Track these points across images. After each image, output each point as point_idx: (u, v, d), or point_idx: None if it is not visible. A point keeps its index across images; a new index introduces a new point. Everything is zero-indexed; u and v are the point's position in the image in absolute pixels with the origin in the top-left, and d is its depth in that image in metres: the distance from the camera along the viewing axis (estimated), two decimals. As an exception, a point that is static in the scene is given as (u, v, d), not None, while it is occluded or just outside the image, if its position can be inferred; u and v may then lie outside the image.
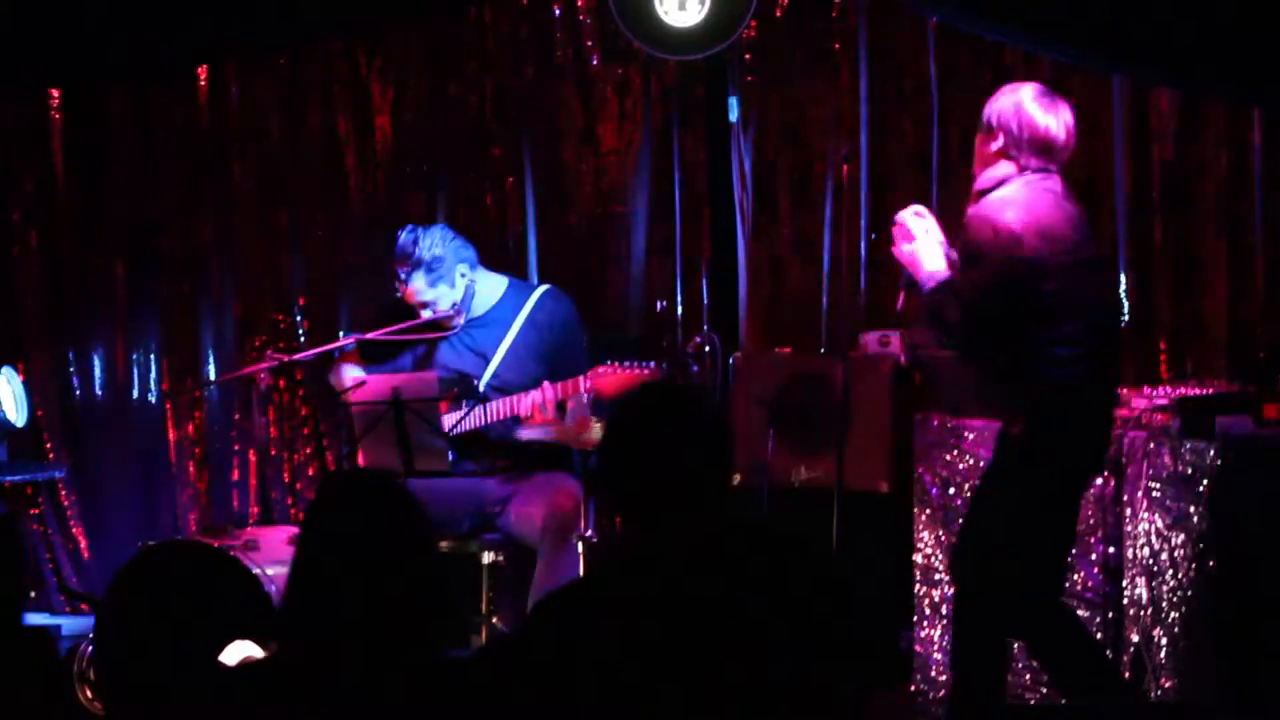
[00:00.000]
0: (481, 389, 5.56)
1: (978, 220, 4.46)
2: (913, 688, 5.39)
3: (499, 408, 5.43)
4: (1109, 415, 4.64)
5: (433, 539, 2.81)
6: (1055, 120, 4.53)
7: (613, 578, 2.83)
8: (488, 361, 5.61)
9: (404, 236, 5.53)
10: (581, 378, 5.28)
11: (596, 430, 5.17)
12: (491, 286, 5.68)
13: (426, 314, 5.55)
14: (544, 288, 5.74)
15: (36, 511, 6.56)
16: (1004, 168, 4.53)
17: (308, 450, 6.57)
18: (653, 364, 5.26)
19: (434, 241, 5.51)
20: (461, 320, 5.56)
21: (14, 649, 3.07)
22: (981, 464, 5.21)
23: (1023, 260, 4.39)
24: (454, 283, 5.55)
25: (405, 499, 2.80)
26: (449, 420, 5.37)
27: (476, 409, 5.43)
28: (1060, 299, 4.43)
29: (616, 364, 5.22)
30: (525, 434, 5.43)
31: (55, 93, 6.50)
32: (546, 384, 5.31)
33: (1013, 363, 4.48)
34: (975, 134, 4.61)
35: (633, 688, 2.52)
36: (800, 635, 2.33)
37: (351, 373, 5.53)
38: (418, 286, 5.52)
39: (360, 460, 5.35)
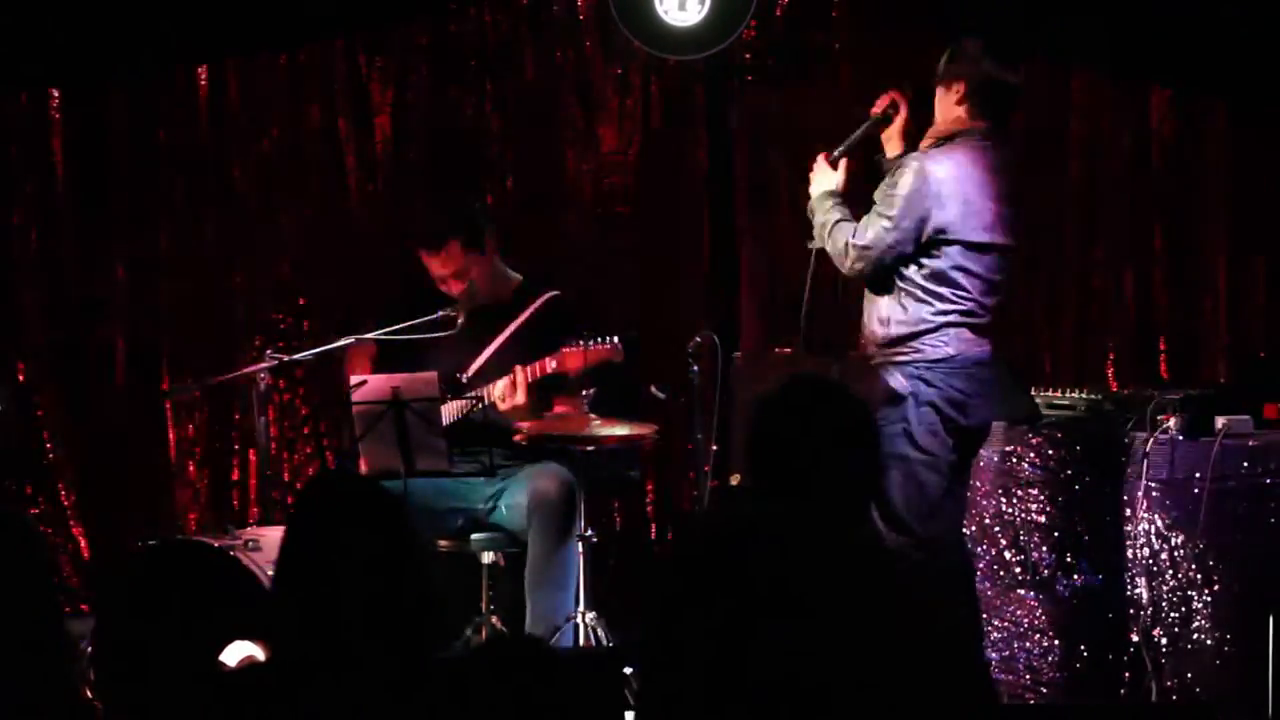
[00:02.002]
0: (465, 379, 5.55)
1: (912, 168, 4.59)
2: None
3: (473, 396, 5.44)
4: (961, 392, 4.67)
5: (415, 539, 2.82)
6: (1013, 70, 4.61)
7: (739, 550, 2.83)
8: (479, 350, 5.60)
9: (435, 212, 5.58)
10: (548, 358, 5.28)
11: (595, 425, 5.17)
12: (506, 277, 5.67)
13: (455, 287, 5.52)
14: (552, 293, 5.73)
15: (36, 511, 6.55)
16: (959, 120, 4.60)
17: (308, 450, 6.57)
18: (616, 339, 5.27)
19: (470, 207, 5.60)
20: (463, 319, 5.55)
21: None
22: (981, 463, 5.21)
23: (930, 224, 4.57)
24: (485, 250, 5.54)
25: (386, 500, 2.81)
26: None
27: (452, 402, 5.43)
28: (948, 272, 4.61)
29: (579, 342, 5.24)
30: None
31: (55, 93, 6.49)
32: (517, 367, 5.33)
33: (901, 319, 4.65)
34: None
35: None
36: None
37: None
38: (455, 262, 5.47)
39: (361, 460, 5.35)
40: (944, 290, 4.61)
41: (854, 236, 4.67)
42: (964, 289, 4.61)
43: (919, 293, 4.61)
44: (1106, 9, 5.54)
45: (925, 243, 4.59)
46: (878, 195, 4.68)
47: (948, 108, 4.68)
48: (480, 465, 5.41)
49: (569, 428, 5.23)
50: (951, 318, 4.61)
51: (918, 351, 4.63)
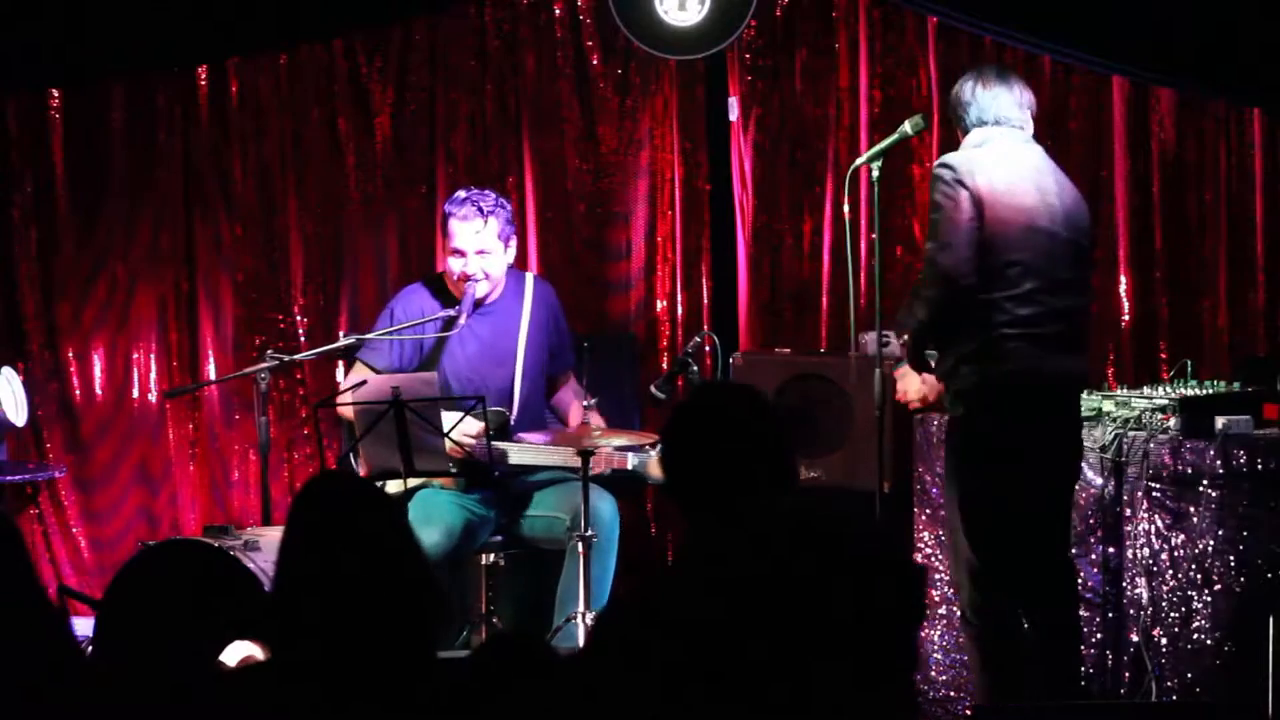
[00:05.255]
0: (514, 418, 5.55)
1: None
2: (912, 688, 5.38)
3: (541, 455, 5.47)
4: None
5: (412, 538, 2.82)
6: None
7: (689, 574, 2.83)
8: (505, 366, 5.60)
9: (468, 191, 5.60)
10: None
11: (596, 435, 5.18)
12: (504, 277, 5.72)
13: (479, 269, 5.54)
14: (533, 274, 5.79)
15: (36, 511, 6.56)
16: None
17: (308, 450, 6.57)
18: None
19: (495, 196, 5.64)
20: (464, 320, 5.55)
21: None
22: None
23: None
24: (507, 246, 5.61)
25: (381, 500, 2.81)
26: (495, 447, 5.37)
27: (515, 446, 5.43)
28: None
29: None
30: (526, 438, 5.44)
31: (55, 93, 6.49)
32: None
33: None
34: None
35: (703, 686, 2.51)
36: (867, 628, 2.32)
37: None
38: (488, 238, 5.53)
39: (362, 460, 5.35)
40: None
41: None
42: None
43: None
44: (1108, 8, 5.54)
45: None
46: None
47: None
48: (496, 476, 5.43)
49: (571, 439, 5.26)
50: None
51: None
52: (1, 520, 2.85)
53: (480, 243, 5.52)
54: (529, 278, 5.74)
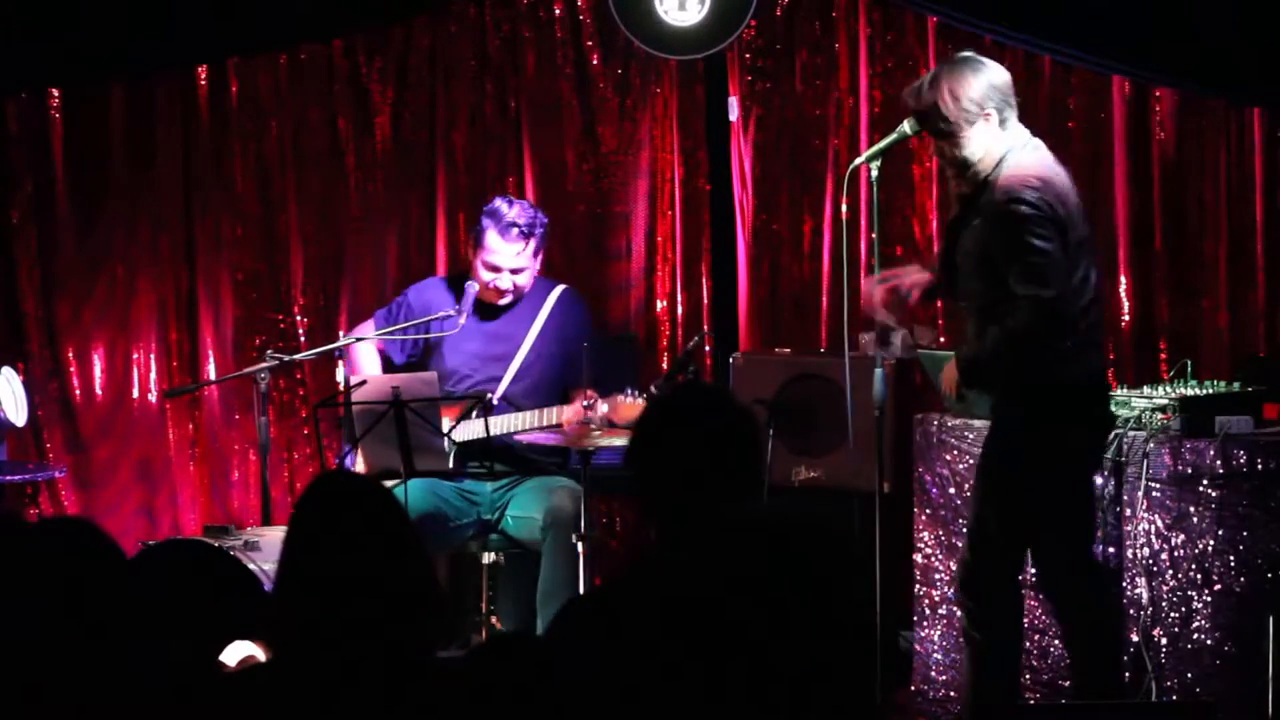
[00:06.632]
0: (495, 400, 5.56)
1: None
2: (913, 688, 5.39)
3: (523, 420, 5.46)
4: None
5: (416, 540, 2.82)
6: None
7: (646, 579, 2.84)
8: (503, 362, 5.61)
9: (515, 204, 5.63)
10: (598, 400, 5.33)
11: (595, 435, 5.19)
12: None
13: (511, 284, 5.59)
14: (562, 287, 5.77)
15: (36, 511, 6.55)
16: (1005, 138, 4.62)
17: (308, 450, 6.56)
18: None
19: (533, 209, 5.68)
20: (463, 320, 5.56)
21: None
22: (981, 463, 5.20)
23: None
24: (538, 261, 5.68)
25: (387, 500, 2.81)
26: (461, 431, 5.38)
27: (499, 419, 5.43)
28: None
29: (633, 395, 5.31)
30: (525, 438, 5.45)
31: (55, 93, 6.49)
32: (590, 400, 5.32)
33: None
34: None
35: (659, 689, 2.52)
36: (829, 631, 2.32)
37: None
38: (526, 257, 5.60)
39: (362, 459, 5.35)
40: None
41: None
42: None
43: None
44: (1108, 8, 5.54)
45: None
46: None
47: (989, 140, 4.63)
48: (484, 469, 5.43)
49: (570, 439, 5.26)
50: None
51: None
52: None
53: (518, 262, 5.59)
54: (557, 290, 5.74)
